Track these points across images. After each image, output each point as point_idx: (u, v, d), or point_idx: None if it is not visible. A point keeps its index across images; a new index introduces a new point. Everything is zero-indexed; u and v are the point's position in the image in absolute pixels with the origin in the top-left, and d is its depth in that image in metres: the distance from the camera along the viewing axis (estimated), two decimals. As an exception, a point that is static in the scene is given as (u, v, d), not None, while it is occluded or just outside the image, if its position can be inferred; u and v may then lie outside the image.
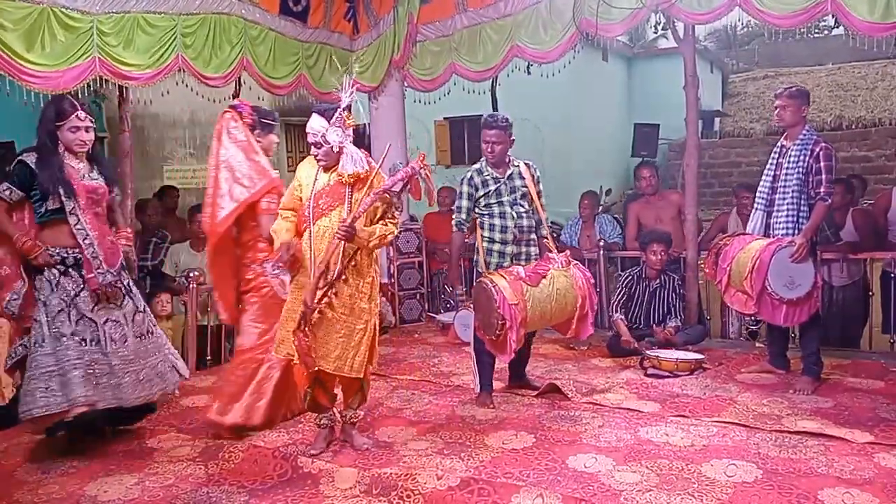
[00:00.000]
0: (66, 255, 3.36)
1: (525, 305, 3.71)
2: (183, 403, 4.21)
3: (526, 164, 4.10)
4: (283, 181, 3.74)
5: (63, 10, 4.29)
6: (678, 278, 5.23)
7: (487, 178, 4.04)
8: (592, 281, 4.01)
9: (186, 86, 5.28)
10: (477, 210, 4.07)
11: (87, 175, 3.45)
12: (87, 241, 3.36)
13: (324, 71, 6.21)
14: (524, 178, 4.04)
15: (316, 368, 3.25)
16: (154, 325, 3.70)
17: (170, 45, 4.86)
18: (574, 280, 3.87)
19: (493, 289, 3.71)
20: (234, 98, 7.47)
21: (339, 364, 3.27)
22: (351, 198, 3.27)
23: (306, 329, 3.20)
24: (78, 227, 3.35)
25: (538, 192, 4.09)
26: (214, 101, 6.00)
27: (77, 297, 3.36)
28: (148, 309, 3.74)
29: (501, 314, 3.65)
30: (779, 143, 4.27)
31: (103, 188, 3.50)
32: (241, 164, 3.65)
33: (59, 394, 3.22)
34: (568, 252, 4.08)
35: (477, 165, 4.12)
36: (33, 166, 3.31)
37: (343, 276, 3.26)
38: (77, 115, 3.36)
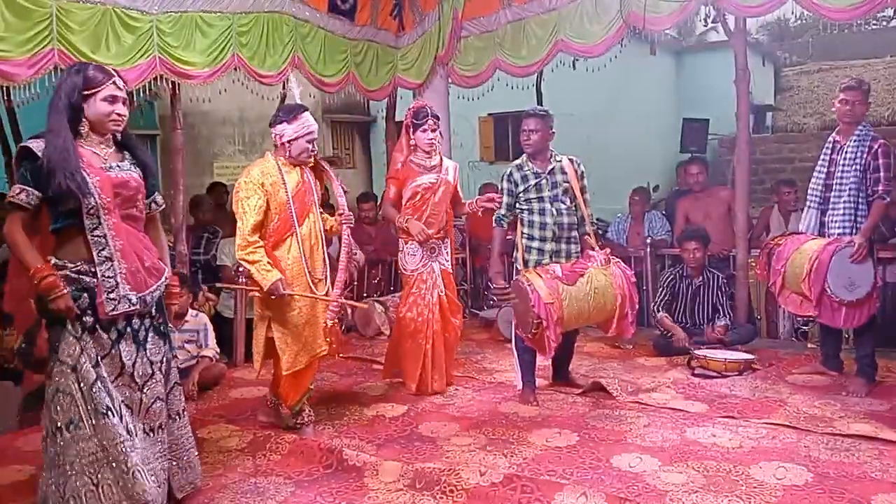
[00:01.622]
0: (84, 277, 2.53)
1: (561, 304, 3.67)
2: (231, 395, 4.32)
3: (570, 159, 4.06)
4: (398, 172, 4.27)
5: (124, 10, 4.42)
6: (722, 276, 5.13)
7: (528, 173, 4.02)
8: (634, 279, 3.93)
9: (242, 84, 5.38)
10: (517, 206, 4.06)
11: (115, 164, 2.62)
12: (103, 253, 2.52)
13: (371, 68, 6.28)
14: (566, 174, 4.00)
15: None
16: (178, 411, 2.82)
17: (226, 44, 4.98)
18: (613, 278, 3.81)
19: (528, 287, 3.69)
20: (281, 98, 7.62)
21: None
22: (315, 184, 3.56)
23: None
24: (96, 232, 2.52)
25: (582, 189, 4.04)
26: (263, 98, 6.12)
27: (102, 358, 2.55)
28: (178, 388, 2.87)
29: (537, 313, 3.63)
30: (830, 139, 4.13)
31: (137, 182, 2.66)
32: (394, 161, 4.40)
33: (116, 490, 2.50)
34: (608, 250, 4.03)
35: (517, 161, 4.11)
36: (40, 154, 2.47)
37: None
38: (115, 83, 2.60)
